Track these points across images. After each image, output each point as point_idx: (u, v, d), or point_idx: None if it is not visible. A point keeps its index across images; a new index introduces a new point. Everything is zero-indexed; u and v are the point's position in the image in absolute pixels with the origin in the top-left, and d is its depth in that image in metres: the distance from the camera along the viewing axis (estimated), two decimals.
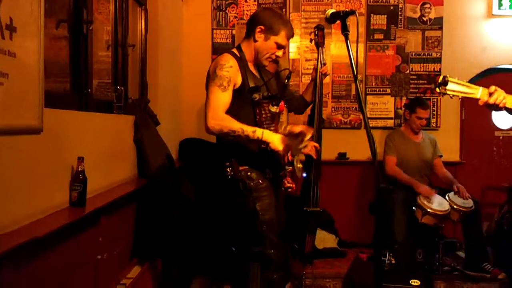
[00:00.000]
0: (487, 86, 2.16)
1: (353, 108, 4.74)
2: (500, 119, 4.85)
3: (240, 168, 2.34)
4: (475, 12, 4.72)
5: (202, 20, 4.68)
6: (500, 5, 4.65)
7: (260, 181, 2.34)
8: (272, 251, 2.34)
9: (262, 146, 2.25)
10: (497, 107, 2.15)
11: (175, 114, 4.40)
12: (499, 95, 2.12)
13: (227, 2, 4.68)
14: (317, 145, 2.84)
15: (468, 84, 2.16)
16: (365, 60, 4.74)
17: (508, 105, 2.16)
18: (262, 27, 2.37)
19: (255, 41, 2.40)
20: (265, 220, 2.34)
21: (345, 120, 4.77)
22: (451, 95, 2.13)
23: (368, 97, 4.77)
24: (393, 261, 3.65)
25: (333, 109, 4.77)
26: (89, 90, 2.48)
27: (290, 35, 2.43)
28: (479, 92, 2.14)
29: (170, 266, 3.04)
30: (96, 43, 2.68)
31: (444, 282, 3.60)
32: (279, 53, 2.43)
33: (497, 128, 4.87)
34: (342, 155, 4.71)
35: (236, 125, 2.20)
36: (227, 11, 4.66)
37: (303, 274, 3.22)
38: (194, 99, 4.31)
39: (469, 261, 3.84)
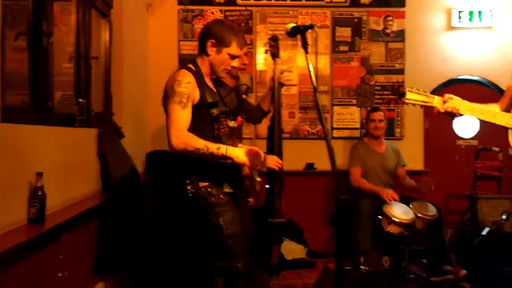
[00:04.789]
0: None
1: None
2: (462, 129, 5.00)
3: (200, 184, 2.33)
4: (436, 24, 4.88)
5: (168, 32, 4.68)
6: (459, 17, 4.82)
7: (221, 196, 2.34)
8: (239, 264, 2.33)
9: (229, 161, 2.25)
10: (453, 115, 2.26)
11: (141, 126, 4.36)
12: (452, 103, 2.22)
13: (193, 14, 4.69)
14: (279, 160, 2.87)
15: (427, 94, 2.30)
16: (331, 72, 4.82)
17: (462, 112, 2.25)
18: (213, 40, 2.36)
19: (208, 55, 2.38)
20: (230, 233, 2.33)
21: (313, 131, 4.82)
22: (413, 104, 2.27)
23: (335, 108, 4.84)
24: (363, 270, 3.69)
25: (300, 120, 4.82)
26: (50, 103, 2.43)
27: (242, 45, 2.42)
28: (435, 101, 2.26)
29: (135, 282, 2.99)
30: (59, 55, 2.63)
31: None
32: (234, 63, 2.42)
33: (459, 137, 5.02)
34: (310, 166, 4.75)
35: (200, 143, 2.20)
36: (193, 22, 4.67)
37: (270, 286, 3.21)
38: (161, 111, 4.26)
39: (433, 268, 3.92)
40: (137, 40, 4.21)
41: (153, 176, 4.01)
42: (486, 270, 3.72)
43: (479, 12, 4.80)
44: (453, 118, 2.34)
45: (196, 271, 2.37)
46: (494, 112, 2.28)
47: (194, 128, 2.26)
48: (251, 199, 2.58)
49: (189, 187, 2.32)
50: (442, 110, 2.26)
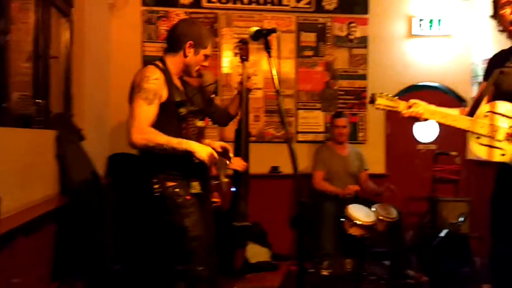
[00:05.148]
0: None
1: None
2: (422, 134, 5.14)
3: (167, 184, 2.30)
4: (397, 32, 5.00)
5: (132, 33, 4.61)
6: (420, 25, 4.96)
7: (188, 197, 2.32)
8: (201, 267, 2.31)
9: (194, 159, 2.24)
10: (417, 119, 2.36)
11: (103, 128, 4.27)
12: (416, 108, 2.31)
13: (158, 15, 4.64)
14: (243, 162, 2.87)
15: (394, 99, 2.39)
16: (295, 76, 4.86)
17: (426, 117, 2.33)
18: (192, 42, 2.37)
19: (185, 56, 2.38)
20: (194, 236, 2.31)
21: (278, 134, 4.85)
22: (383, 109, 2.38)
23: (300, 112, 4.89)
24: (324, 272, 3.74)
25: (266, 124, 4.84)
26: (6, 104, 2.34)
27: (214, 45, 2.47)
28: (401, 106, 2.36)
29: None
30: (17, 54, 2.55)
31: None
32: (206, 63, 2.47)
33: (419, 142, 5.15)
34: (274, 169, 4.78)
35: (161, 138, 2.18)
36: (157, 24, 4.62)
37: None
38: (124, 113, 4.19)
39: (394, 269, 4.01)
40: (99, 40, 4.12)
41: (115, 179, 3.93)
42: (444, 270, 3.83)
43: (439, 21, 4.96)
44: (418, 122, 2.42)
45: (158, 275, 2.33)
46: (455, 116, 2.36)
47: (162, 127, 2.23)
48: (218, 199, 2.56)
49: (156, 186, 2.29)
50: (407, 115, 2.35)
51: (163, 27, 4.57)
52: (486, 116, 2.28)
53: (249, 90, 3.15)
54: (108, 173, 4.14)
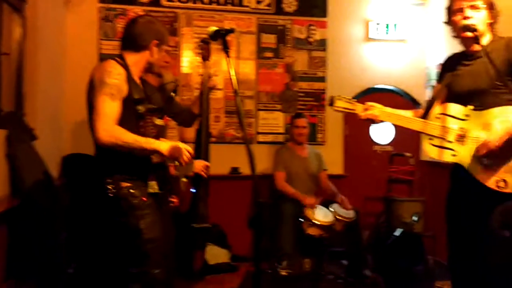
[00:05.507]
0: None
1: (245, 124, 4.83)
2: (378, 135, 5.27)
3: (122, 185, 2.24)
4: (355, 35, 5.10)
5: (88, 30, 4.49)
6: (376, 29, 5.08)
7: (144, 198, 2.27)
8: (157, 270, 2.26)
9: (154, 159, 2.20)
10: (373, 121, 2.44)
11: (57, 128, 4.13)
12: (372, 111, 2.40)
13: (115, 13, 4.54)
14: (207, 163, 2.84)
15: (352, 101, 2.47)
16: (256, 77, 4.88)
17: (382, 119, 2.40)
18: (157, 41, 2.35)
19: (151, 55, 2.36)
20: (150, 238, 2.26)
21: (238, 135, 4.84)
22: (341, 111, 2.47)
23: (260, 113, 4.90)
24: (283, 272, 3.76)
25: (226, 124, 4.82)
26: None
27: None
28: (358, 109, 2.44)
29: None
30: None
31: None
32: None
33: (376, 143, 5.28)
34: (234, 170, 4.77)
35: (129, 137, 2.13)
36: (115, 21, 4.52)
37: None
38: (80, 113, 4.07)
39: (351, 268, 4.08)
40: (53, 37, 3.99)
41: (69, 180, 3.81)
42: (398, 269, 3.93)
43: (395, 25, 5.10)
44: (375, 124, 2.49)
45: (111, 277, 2.26)
46: (409, 119, 2.43)
47: (119, 124, 2.17)
48: (175, 199, 2.52)
49: (110, 187, 2.23)
50: (364, 117, 2.43)
51: (121, 25, 4.48)
52: (438, 118, 2.36)
53: (210, 89, 3.13)
54: (63, 173, 4.02)
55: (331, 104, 2.46)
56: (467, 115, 2.30)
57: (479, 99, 2.27)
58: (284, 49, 4.93)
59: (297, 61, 4.96)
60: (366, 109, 2.43)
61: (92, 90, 2.21)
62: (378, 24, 5.07)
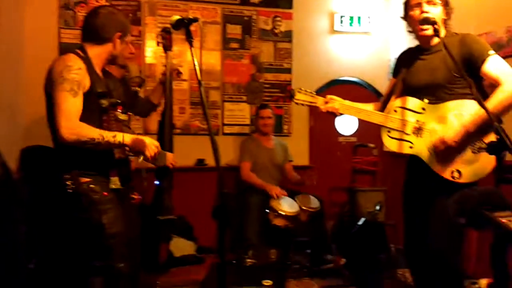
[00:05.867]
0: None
1: (211, 115, 4.81)
2: (343, 127, 5.35)
3: (82, 180, 2.19)
4: (320, 27, 5.14)
5: (47, 19, 4.32)
6: (341, 22, 5.13)
7: (105, 194, 2.23)
8: (121, 264, 2.24)
9: (117, 155, 2.17)
10: (334, 114, 2.48)
11: (15, 120, 3.99)
12: (332, 104, 2.46)
13: (75, 1, 4.39)
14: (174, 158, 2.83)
15: (313, 95, 2.49)
16: (221, 68, 4.85)
17: (341, 112, 2.44)
18: (120, 33, 2.30)
19: (115, 47, 2.31)
20: (113, 233, 2.22)
21: (204, 127, 4.80)
22: (302, 104, 2.51)
23: (226, 104, 4.88)
24: (248, 263, 3.78)
25: (191, 115, 4.78)
26: None
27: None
28: (319, 102, 2.49)
29: None
30: None
31: (294, 280, 3.82)
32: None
33: (340, 134, 5.36)
34: (200, 161, 4.74)
35: (94, 133, 2.09)
36: (75, 10, 4.38)
37: (157, 285, 3.14)
38: (40, 104, 3.96)
39: (316, 257, 4.15)
40: (10, 26, 3.83)
41: (28, 174, 3.69)
42: (362, 257, 4.02)
43: (359, 18, 5.17)
44: (335, 116, 2.55)
45: (74, 272, 2.22)
46: (368, 112, 2.47)
47: (82, 119, 2.12)
48: (136, 196, 2.49)
49: (69, 183, 2.18)
50: (324, 110, 2.48)
51: (82, 13, 4.34)
52: (395, 111, 2.41)
53: (173, 79, 3.09)
54: (21, 167, 3.88)
55: (291, 97, 2.51)
56: (423, 109, 2.36)
57: (434, 92, 2.33)
58: (250, 40, 4.92)
59: (263, 52, 4.96)
60: (326, 102, 2.49)
61: (51, 84, 2.15)
62: (343, 16, 5.12)
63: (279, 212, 3.86)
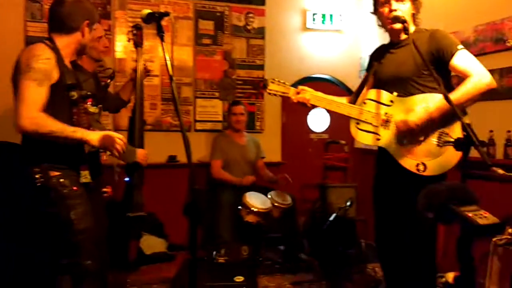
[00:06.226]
0: None
1: (183, 111, 4.76)
2: (314, 123, 5.39)
3: (51, 174, 2.14)
4: (293, 24, 5.16)
5: (12, 12, 4.19)
6: (313, 19, 5.16)
7: (74, 188, 2.18)
8: (88, 261, 2.19)
9: (87, 147, 2.13)
10: (305, 105, 2.50)
11: None
12: (303, 94, 2.47)
13: None
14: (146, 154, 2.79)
15: (286, 85, 2.54)
16: (194, 64, 4.81)
17: (312, 103, 2.47)
18: (88, 21, 2.26)
19: (83, 36, 2.26)
20: (81, 229, 2.17)
21: (175, 123, 4.76)
22: (274, 94, 2.54)
23: (198, 100, 4.84)
24: (221, 260, 3.76)
25: (162, 112, 4.72)
26: None
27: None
28: (290, 92, 2.52)
29: None
30: None
31: (266, 276, 3.84)
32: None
33: (312, 131, 5.40)
34: (172, 158, 4.70)
35: (55, 125, 2.03)
36: (42, 2, 4.26)
37: (127, 283, 3.10)
38: (6, 98, 3.83)
39: (288, 253, 4.17)
40: None
41: None
42: (333, 252, 4.06)
43: (331, 16, 5.21)
44: (306, 108, 2.56)
45: (41, 269, 2.16)
46: (338, 103, 2.50)
47: (50, 111, 2.07)
48: (108, 190, 2.44)
49: (37, 176, 2.12)
50: (295, 100, 2.49)
51: (48, 6, 4.21)
52: (365, 103, 2.45)
53: (147, 73, 3.04)
54: None
55: (265, 87, 2.53)
56: (391, 101, 2.40)
57: (402, 86, 2.37)
58: (222, 36, 4.89)
59: (235, 49, 4.94)
60: (298, 93, 2.51)
61: (18, 74, 2.09)
62: (315, 14, 5.15)
63: (252, 208, 3.86)
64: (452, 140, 2.19)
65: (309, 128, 5.38)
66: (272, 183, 4.34)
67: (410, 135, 2.29)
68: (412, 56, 2.29)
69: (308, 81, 5.18)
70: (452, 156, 2.23)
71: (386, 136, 2.39)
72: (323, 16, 5.18)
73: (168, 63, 1.87)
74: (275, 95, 2.55)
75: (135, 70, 2.93)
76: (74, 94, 2.18)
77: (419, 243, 2.29)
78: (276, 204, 3.99)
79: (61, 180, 2.16)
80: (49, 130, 2.02)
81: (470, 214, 1.50)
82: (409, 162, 2.31)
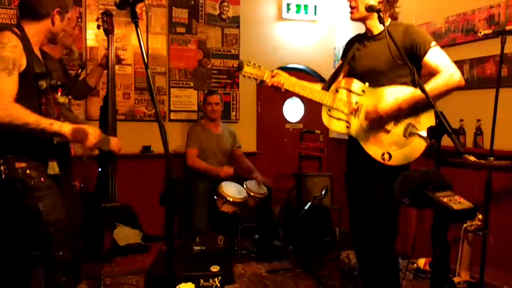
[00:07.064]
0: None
1: (158, 101, 4.70)
2: (289, 113, 5.40)
3: (17, 165, 2.08)
4: (268, 14, 5.14)
5: None
6: (288, 9, 5.16)
7: (42, 179, 2.12)
8: (60, 252, 2.15)
9: (56, 138, 2.08)
10: (279, 88, 2.49)
11: None
12: (278, 78, 2.46)
13: None
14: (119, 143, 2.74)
15: (260, 68, 2.51)
16: (167, 53, 4.74)
17: (286, 87, 2.46)
18: (59, 8, 2.18)
19: (53, 24, 2.19)
20: (51, 220, 2.12)
21: (149, 113, 4.70)
22: (249, 77, 2.49)
23: (172, 90, 4.79)
24: (197, 250, 3.75)
25: (136, 101, 4.66)
26: None
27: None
28: (265, 75, 2.49)
29: None
30: None
31: (242, 265, 3.85)
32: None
33: (287, 121, 5.41)
34: (146, 148, 4.64)
35: (30, 117, 1.97)
36: None
37: (101, 274, 3.06)
38: None
39: (263, 242, 4.19)
40: None
41: None
42: (308, 240, 4.11)
43: (305, 6, 5.21)
44: (280, 92, 2.52)
45: (10, 262, 2.10)
46: (312, 89, 2.50)
47: (18, 101, 2.00)
48: (78, 183, 2.40)
49: (2, 168, 2.05)
50: (269, 84, 2.48)
51: None
52: (337, 91, 2.47)
53: (119, 61, 2.98)
54: None
55: (239, 69, 2.50)
56: (363, 91, 2.43)
57: (375, 78, 2.41)
58: (197, 25, 4.83)
59: (210, 38, 4.89)
60: (273, 76, 2.49)
61: None
62: (290, 4, 5.14)
63: (228, 198, 3.86)
64: (419, 132, 2.25)
65: (285, 118, 5.40)
66: (250, 174, 4.34)
67: (378, 124, 2.33)
68: (386, 49, 2.31)
69: (282, 70, 5.16)
70: (417, 147, 2.29)
71: (356, 124, 2.43)
72: (298, 6, 5.18)
73: (144, 50, 1.83)
74: (249, 77, 2.51)
75: (106, 57, 2.87)
76: (43, 84, 2.11)
77: (378, 230, 2.37)
78: (251, 193, 4.00)
79: (28, 171, 2.10)
80: (24, 122, 1.96)
81: (445, 200, 1.53)
82: (375, 151, 2.36)
